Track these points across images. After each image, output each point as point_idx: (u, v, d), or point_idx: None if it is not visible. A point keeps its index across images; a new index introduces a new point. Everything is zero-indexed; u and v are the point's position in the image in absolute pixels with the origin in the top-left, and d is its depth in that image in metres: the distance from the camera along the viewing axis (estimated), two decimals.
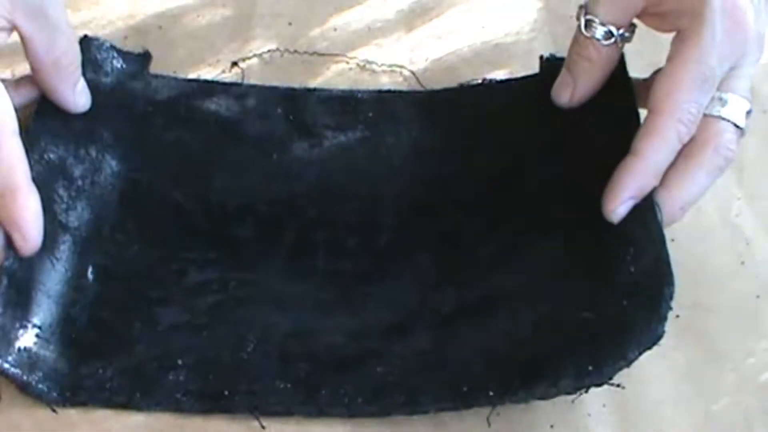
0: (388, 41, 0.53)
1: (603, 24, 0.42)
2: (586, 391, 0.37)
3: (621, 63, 0.44)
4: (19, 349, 0.38)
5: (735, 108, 0.40)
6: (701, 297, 0.42)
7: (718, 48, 0.39)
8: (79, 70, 0.44)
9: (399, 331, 0.40)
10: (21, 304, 0.39)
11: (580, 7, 0.43)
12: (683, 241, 0.44)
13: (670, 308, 0.36)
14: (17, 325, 0.38)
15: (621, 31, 0.42)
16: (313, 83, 0.50)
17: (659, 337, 0.36)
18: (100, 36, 0.50)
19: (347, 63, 0.52)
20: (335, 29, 0.53)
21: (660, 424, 0.39)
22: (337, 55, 0.52)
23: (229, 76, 0.51)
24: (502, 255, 0.42)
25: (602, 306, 0.38)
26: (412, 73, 0.51)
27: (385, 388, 0.38)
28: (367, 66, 0.51)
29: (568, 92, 0.44)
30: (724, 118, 0.40)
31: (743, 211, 0.46)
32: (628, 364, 0.36)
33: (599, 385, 0.37)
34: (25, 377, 0.38)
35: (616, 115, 0.44)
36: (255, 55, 0.51)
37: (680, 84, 0.39)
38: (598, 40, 0.42)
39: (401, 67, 0.51)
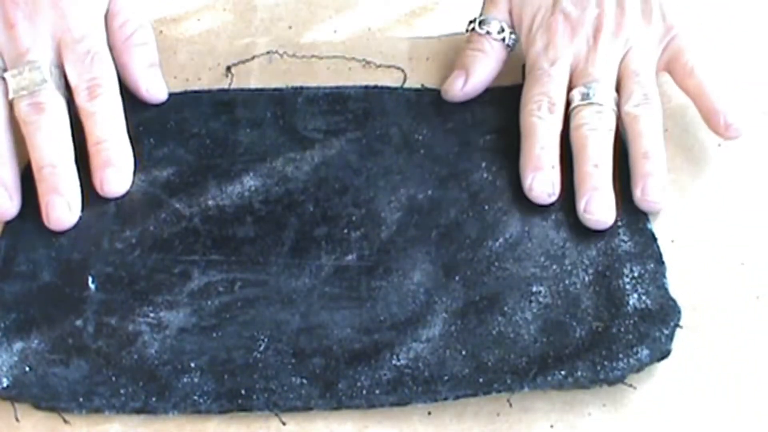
0: (388, 42, 0.53)
1: (496, 19, 0.50)
2: (600, 386, 0.39)
3: None
4: (25, 371, 0.39)
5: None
6: (701, 297, 0.42)
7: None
8: (154, 56, 0.49)
9: (410, 325, 0.41)
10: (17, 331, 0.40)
11: (471, 21, 0.50)
12: (683, 241, 0.44)
13: (679, 326, 0.40)
14: (18, 348, 0.40)
15: (510, 28, 0.50)
16: (314, 85, 0.51)
17: (668, 351, 0.40)
18: None
19: (347, 64, 0.52)
20: (335, 31, 0.53)
21: (660, 424, 0.39)
22: (337, 57, 0.52)
23: (229, 80, 0.51)
24: (503, 250, 0.43)
25: (613, 320, 0.41)
26: (407, 76, 0.51)
27: (402, 379, 0.39)
28: (367, 67, 0.52)
29: (461, 82, 0.49)
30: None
31: (743, 211, 0.46)
32: (641, 365, 0.39)
33: (613, 382, 0.39)
34: (36, 391, 0.38)
35: None
36: (255, 58, 0.52)
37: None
38: (489, 33, 0.49)
39: (401, 68, 0.51)
